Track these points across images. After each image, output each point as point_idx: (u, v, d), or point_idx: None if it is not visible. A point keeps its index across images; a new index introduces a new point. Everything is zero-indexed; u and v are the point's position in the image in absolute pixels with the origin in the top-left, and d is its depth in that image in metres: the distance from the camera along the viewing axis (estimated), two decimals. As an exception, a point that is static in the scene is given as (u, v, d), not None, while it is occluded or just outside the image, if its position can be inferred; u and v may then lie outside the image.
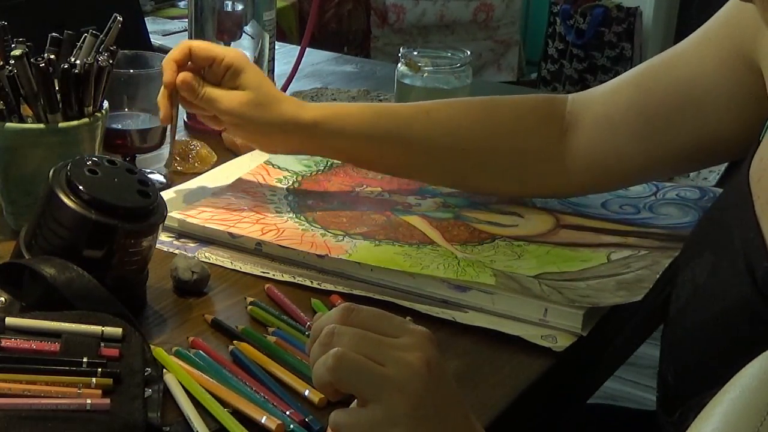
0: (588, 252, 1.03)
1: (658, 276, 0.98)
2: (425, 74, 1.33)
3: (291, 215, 1.09)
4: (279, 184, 1.17)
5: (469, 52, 1.37)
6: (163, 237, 1.04)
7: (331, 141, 1.08)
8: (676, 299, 0.86)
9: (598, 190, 1.13)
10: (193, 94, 1.06)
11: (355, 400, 0.67)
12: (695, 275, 0.83)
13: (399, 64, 1.35)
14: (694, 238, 0.90)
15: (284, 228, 1.06)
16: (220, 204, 1.10)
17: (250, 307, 0.92)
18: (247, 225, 1.06)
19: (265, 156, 1.23)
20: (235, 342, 0.86)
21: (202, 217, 1.07)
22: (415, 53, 1.34)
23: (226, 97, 1.06)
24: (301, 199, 1.13)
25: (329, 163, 1.23)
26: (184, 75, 1.06)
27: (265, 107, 1.06)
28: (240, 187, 1.15)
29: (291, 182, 1.18)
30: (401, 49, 1.36)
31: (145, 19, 1.55)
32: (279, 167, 1.21)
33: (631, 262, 1.01)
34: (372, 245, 1.03)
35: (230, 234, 1.04)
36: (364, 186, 1.18)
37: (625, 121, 1.04)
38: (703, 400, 0.57)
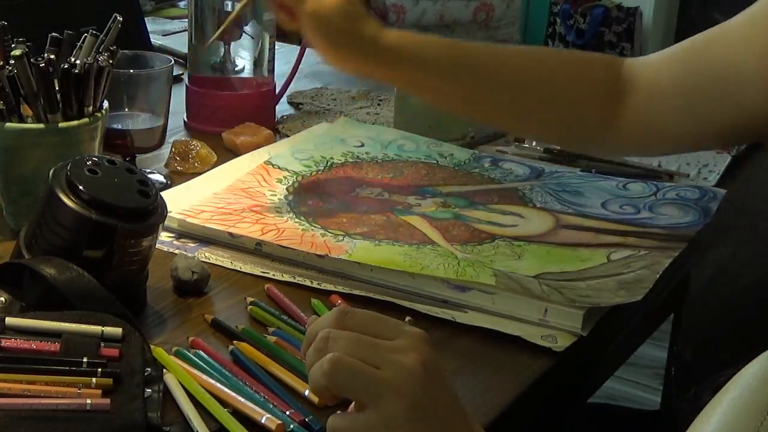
0: (588, 252, 1.03)
1: (658, 276, 0.98)
2: None
3: (291, 215, 1.09)
4: (279, 184, 1.17)
5: None
6: (163, 237, 1.04)
7: (404, 69, 1.07)
8: (696, 280, 0.86)
9: (643, 154, 1.17)
10: None
11: (353, 404, 0.67)
12: (720, 256, 0.84)
13: None
14: (718, 219, 0.91)
15: (284, 228, 1.06)
16: (220, 204, 1.10)
17: (250, 307, 0.92)
18: (247, 225, 1.06)
19: (265, 156, 1.23)
20: (235, 342, 0.86)
21: (202, 217, 1.07)
22: None
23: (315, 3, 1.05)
24: (301, 199, 1.13)
25: (329, 163, 1.23)
26: None
27: (352, 19, 1.05)
28: (240, 187, 1.15)
29: (291, 182, 1.17)
30: None
31: (145, 19, 1.55)
32: (279, 167, 1.21)
33: (631, 262, 1.01)
34: (372, 245, 1.03)
35: (230, 234, 1.04)
36: (364, 186, 1.18)
37: (671, 94, 1.05)
38: (719, 379, 0.56)
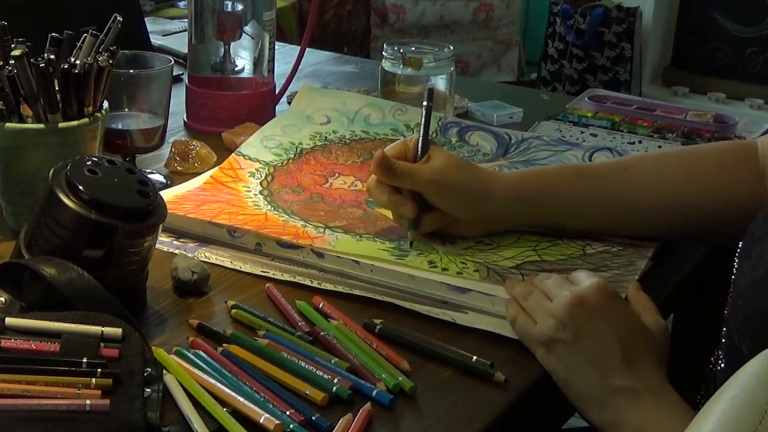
0: (562, 243, 1.05)
1: (636, 278, 0.98)
2: (418, 69, 1.33)
3: (269, 208, 1.09)
4: (252, 179, 1.16)
5: (452, 47, 1.36)
6: (163, 237, 1.04)
7: (535, 206, 1.04)
8: (752, 270, 0.85)
9: None
10: (391, 172, 1.01)
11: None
12: None
13: (383, 60, 1.35)
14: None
15: (266, 219, 1.06)
16: (198, 200, 1.09)
17: (233, 311, 0.92)
18: (228, 216, 1.05)
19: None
20: (224, 344, 0.86)
21: (184, 208, 1.06)
22: (401, 50, 1.34)
23: (426, 167, 1.02)
24: (276, 194, 1.13)
25: (299, 149, 1.22)
26: (378, 155, 1.01)
27: (467, 171, 1.03)
28: (213, 183, 1.14)
29: (264, 176, 1.17)
30: (384, 45, 1.36)
31: (145, 19, 1.55)
32: (250, 158, 1.20)
33: (606, 259, 1.02)
34: (354, 240, 1.03)
35: (230, 233, 1.03)
36: (337, 175, 1.18)
37: None
38: None
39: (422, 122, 1.05)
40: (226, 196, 1.11)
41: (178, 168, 1.22)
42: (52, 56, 0.99)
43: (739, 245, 0.88)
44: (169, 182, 1.19)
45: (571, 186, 1.05)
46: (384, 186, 1.02)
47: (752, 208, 1.00)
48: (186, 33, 1.42)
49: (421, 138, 1.04)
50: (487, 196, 1.03)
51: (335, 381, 0.81)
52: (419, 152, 1.03)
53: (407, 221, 1.02)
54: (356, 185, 1.16)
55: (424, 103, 1.05)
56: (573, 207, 1.05)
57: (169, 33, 1.82)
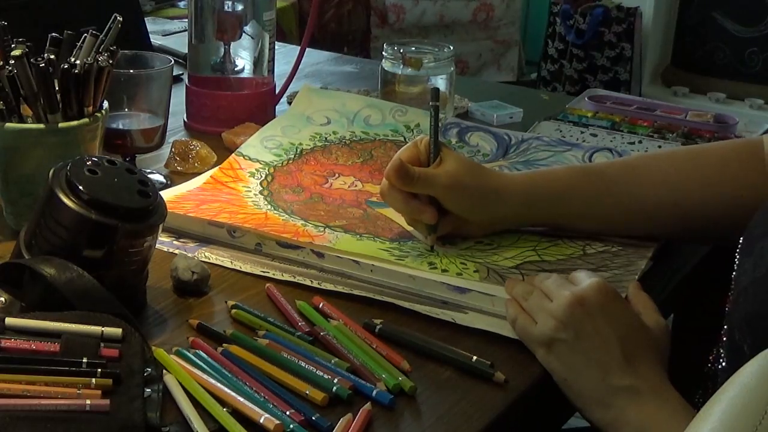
0: (562, 243, 1.05)
1: (636, 278, 0.98)
2: (418, 69, 1.33)
3: (269, 208, 1.09)
4: (252, 179, 1.16)
5: (452, 47, 1.36)
6: (163, 237, 1.04)
7: (546, 207, 1.05)
8: (753, 268, 0.84)
9: None
10: (408, 178, 1.01)
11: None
12: None
13: (383, 60, 1.35)
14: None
15: (267, 217, 1.06)
16: (197, 200, 1.10)
17: (233, 311, 0.92)
18: (228, 215, 1.05)
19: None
20: (224, 344, 0.86)
21: (184, 207, 1.06)
22: (401, 50, 1.34)
23: (442, 172, 1.02)
24: (276, 194, 1.13)
25: (299, 150, 1.22)
26: (394, 162, 1.01)
27: (478, 174, 1.03)
28: (213, 183, 1.14)
29: (264, 176, 1.17)
30: (384, 45, 1.36)
31: (145, 19, 1.55)
32: (250, 158, 1.20)
33: (606, 259, 1.02)
34: (354, 239, 1.03)
35: (230, 233, 1.03)
36: (337, 175, 1.18)
37: None
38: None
39: (431, 124, 1.04)
40: (226, 196, 1.11)
41: (178, 168, 1.22)
42: (52, 56, 0.99)
43: (740, 243, 0.87)
44: (169, 182, 1.19)
45: (580, 186, 1.05)
46: (398, 192, 1.02)
47: (758, 207, 1.00)
48: (186, 33, 1.42)
49: (432, 140, 1.04)
50: (499, 198, 1.03)
51: (335, 381, 0.81)
52: (431, 155, 1.03)
53: (425, 226, 1.02)
54: (356, 185, 1.16)
55: (431, 103, 1.05)
56: (582, 207, 1.05)
57: (169, 33, 1.82)
